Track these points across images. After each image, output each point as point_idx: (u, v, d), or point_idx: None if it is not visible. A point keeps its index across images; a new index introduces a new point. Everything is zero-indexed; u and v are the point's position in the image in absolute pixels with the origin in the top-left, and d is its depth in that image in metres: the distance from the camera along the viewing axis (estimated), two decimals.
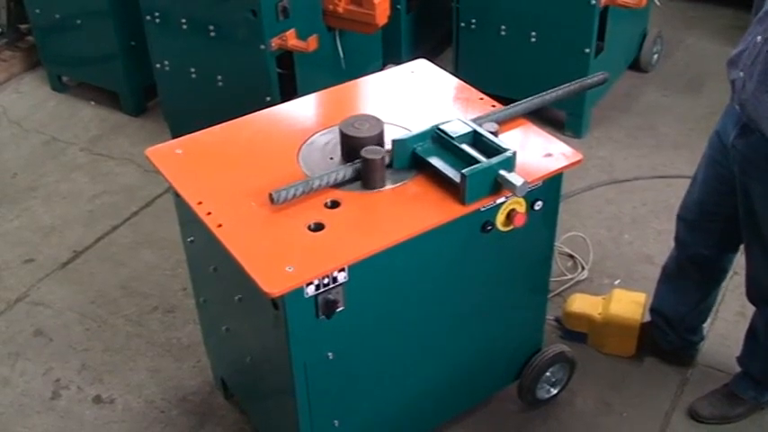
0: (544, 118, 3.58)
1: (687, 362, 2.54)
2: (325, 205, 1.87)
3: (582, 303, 2.65)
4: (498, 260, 2.06)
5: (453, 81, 2.36)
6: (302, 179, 1.90)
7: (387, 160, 1.95)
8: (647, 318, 2.57)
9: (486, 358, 2.23)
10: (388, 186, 1.93)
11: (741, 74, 1.93)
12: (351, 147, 1.96)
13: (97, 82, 3.95)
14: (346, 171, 1.91)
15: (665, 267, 2.48)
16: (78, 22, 3.71)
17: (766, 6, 1.89)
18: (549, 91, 2.17)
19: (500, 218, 1.96)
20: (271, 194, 1.82)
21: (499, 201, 1.92)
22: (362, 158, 1.88)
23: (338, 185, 1.91)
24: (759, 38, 1.88)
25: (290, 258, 1.73)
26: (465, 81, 2.35)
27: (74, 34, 3.77)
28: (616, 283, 2.88)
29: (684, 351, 2.54)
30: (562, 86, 2.18)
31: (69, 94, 4.05)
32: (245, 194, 1.92)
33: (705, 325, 2.55)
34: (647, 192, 3.31)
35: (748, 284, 2.25)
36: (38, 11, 3.85)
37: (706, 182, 2.20)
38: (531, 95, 2.17)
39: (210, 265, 2.09)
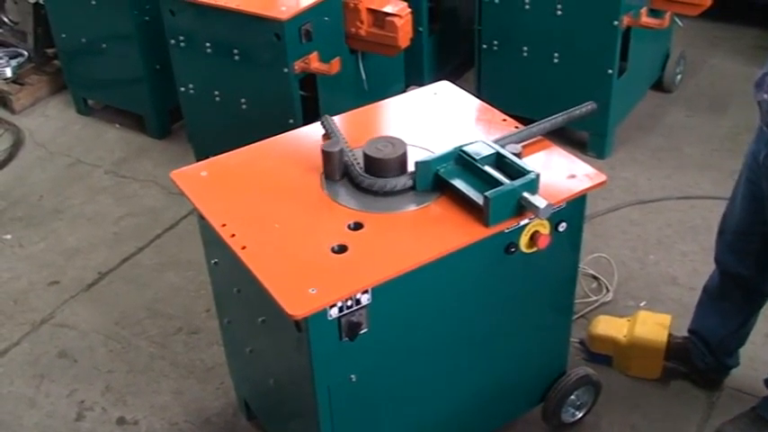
0: (567, 139, 3.57)
1: (716, 385, 2.51)
2: (348, 227, 1.88)
3: (606, 325, 2.63)
4: (522, 282, 2.05)
5: (476, 102, 2.37)
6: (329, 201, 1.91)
7: (410, 183, 1.96)
8: (677, 335, 2.53)
9: (509, 381, 2.21)
10: (411, 208, 1.93)
11: (766, 96, 1.92)
12: (375, 167, 1.98)
13: (122, 105, 4.00)
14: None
15: (705, 287, 2.46)
16: (104, 45, 3.77)
17: None
18: (539, 122, 2.16)
19: (524, 240, 1.96)
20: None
21: (523, 222, 1.92)
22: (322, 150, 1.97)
23: (363, 208, 1.93)
24: None
25: (314, 280, 1.73)
26: (487, 102, 2.36)
27: (99, 58, 3.82)
28: (641, 304, 2.86)
29: (717, 374, 2.51)
30: (549, 118, 2.18)
31: (94, 117, 4.11)
32: (269, 217, 1.93)
33: (741, 349, 2.51)
34: (672, 213, 3.29)
35: None
36: (64, 35, 3.91)
37: (742, 201, 2.20)
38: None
39: (234, 286, 2.10)
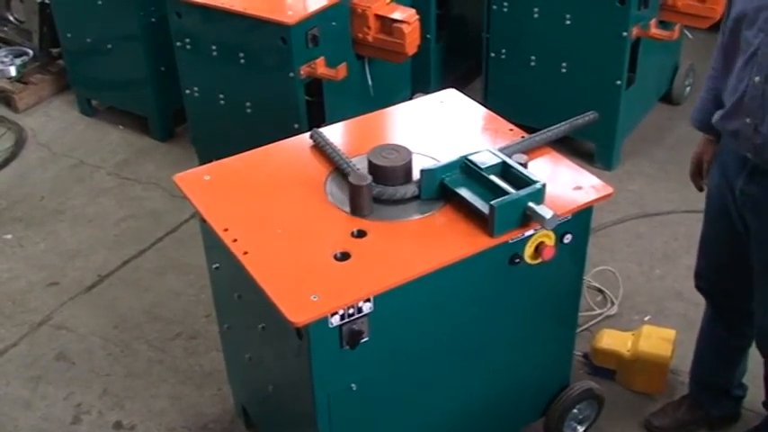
0: (574, 150, 3.57)
1: (735, 419, 2.47)
2: (352, 234, 1.88)
3: (611, 339, 2.62)
4: (526, 293, 2.05)
5: (482, 111, 2.37)
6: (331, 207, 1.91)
7: (415, 191, 1.96)
8: (685, 390, 2.49)
9: (511, 393, 2.21)
10: (416, 216, 1.93)
11: (748, 120, 1.88)
12: (379, 175, 1.98)
13: (126, 106, 4.00)
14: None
15: (701, 334, 2.39)
16: (109, 46, 3.78)
17: (752, 48, 1.83)
18: (542, 131, 2.17)
19: (528, 251, 1.95)
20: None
21: (528, 233, 1.92)
22: (349, 184, 1.91)
23: (364, 215, 1.93)
24: (757, 78, 1.82)
25: (316, 287, 1.73)
26: (494, 111, 2.36)
27: (104, 59, 3.83)
28: (646, 319, 2.85)
29: (733, 410, 2.46)
30: (552, 127, 2.18)
31: (98, 118, 4.11)
32: (272, 222, 1.93)
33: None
34: (679, 226, 3.28)
35: (759, 335, 2.16)
36: (69, 35, 3.92)
37: (717, 240, 2.15)
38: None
39: (235, 292, 2.10)
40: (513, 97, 3.60)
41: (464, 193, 1.93)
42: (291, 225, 1.92)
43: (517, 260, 1.94)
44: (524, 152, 2.08)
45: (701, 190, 2.25)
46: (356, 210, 1.92)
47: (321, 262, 1.81)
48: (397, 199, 1.96)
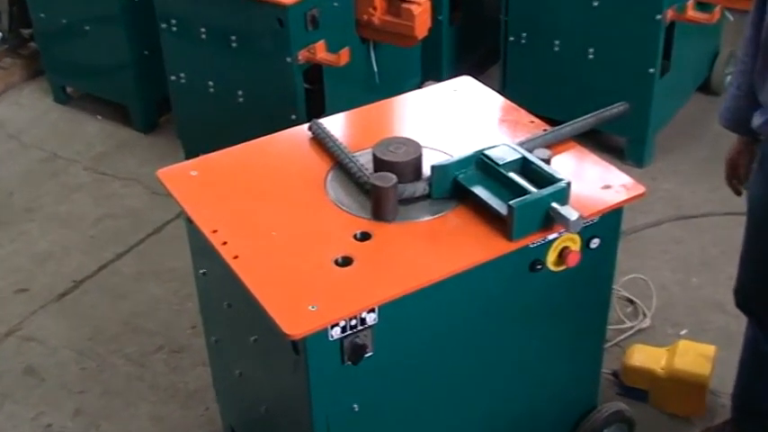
0: (603, 145, 3.57)
1: None
2: (354, 237, 1.88)
3: (643, 356, 2.61)
4: (548, 304, 2.05)
5: (500, 101, 2.37)
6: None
7: (426, 190, 1.95)
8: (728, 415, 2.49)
9: (532, 415, 2.20)
10: (426, 217, 1.93)
11: None
12: (386, 171, 1.96)
13: (105, 94, 4.02)
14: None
15: (744, 351, 2.37)
16: (86, 28, 3.79)
17: None
18: (567, 123, 2.17)
19: (551, 256, 1.95)
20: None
21: (550, 237, 1.92)
22: (372, 185, 1.90)
23: (371, 216, 1.93)
24: None
25: (314, 296, 1.73)
26: (513, 101, 2.36)
27: (81, 41, 3.84)
28: (682, 333, 2.85)
29: None
30: (578, 119, 2.18)
31: (73, 107, 4.13)
32: (266, 223, 1.93)
33: None
34: (719, 230, 3.28)
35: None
36: (42, 15, 3.93)
37: (761, 256, 2.13)
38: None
39: (224, 300, 2.10)
40: (535, 86, 3.60)
41: (480, 191, 1.92)
42: (287, 226, 1.92)
43: (538, 267, 1.94)
44: (547, 147, 2.08)
45: (738, 194, 2.25)
46: (380, 214, 1.91)
47: (320, 268, 1.80)
48: (405, 198, 1.96)
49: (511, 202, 1.83)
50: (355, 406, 1.87)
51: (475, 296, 1.91)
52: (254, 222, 1.94)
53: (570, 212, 1.83)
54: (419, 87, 2.72)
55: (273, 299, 1.73)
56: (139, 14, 3.60)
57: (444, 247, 1.87)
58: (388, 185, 1.90)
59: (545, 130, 2.19)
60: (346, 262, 1.82)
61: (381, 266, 1.82)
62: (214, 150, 2.19)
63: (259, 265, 1.81)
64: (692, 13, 3.34)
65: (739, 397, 2.43)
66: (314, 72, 3.14)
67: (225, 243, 1.87)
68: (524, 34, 3.58)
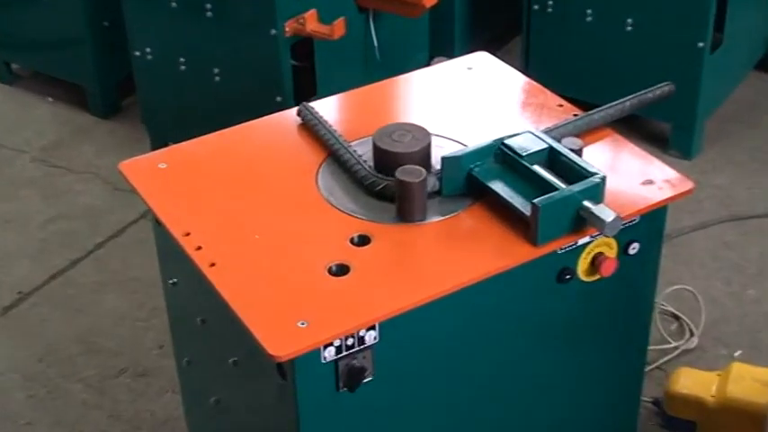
0: (643, 132, 3.58)
1: None
2: (351, 241, 1.88)
3: (690, 381, 2.62)
4: (578, 320, 2.05)
5: (522, 81, 2.37)
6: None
7: (435, 185, 1.96)
8: None
9: None
10: (435, 218, 1.93)
11: None
12: (387, 165, 1.98)
13: (57, 73, 4.02)
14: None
15: None
16: None
17: None
18: (603, 107, 2.17)
19: (582, 264, 1.95)
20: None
21: (582, 242, 1.92)
22: (398, 182, 1.90)
23: (371, 217, 1.94)
24: None
25: (304, 310, 1.73)
26: (538, 81, 2.36)
27: (28, 11, 3.85)
28: (736, 354, 2.85)
29: None
30: (615, 102, 2.19)
31: (20, 87, 4.13)
32: (247, 225, 1.93)
33: None
34: None
35: None
36: None
37: None
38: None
39: (198, 315, 2.10)
40: (563, 63, 3.61)
41: (498, 187, 1.93)
42: (273, 229, 1.93)
43: (568, 276, 1.94)
44: (578, 135, 2.08)
45: None
46: (406, 215, 1.92)
47: (311, 277, 1.81)
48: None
49: (535, 201, 1.83)
50: None
51: (492, 311, 1.91)
52: (233, 224, 1.94)
53: (605, 212, 1.82)
54: (427, 65, 2.73)
55: (256, 313, 1.73)
56: None
57: (457, 254, 1.87)
58: (418, 180, 1.89)
59: (575, 115, 2.19)
60: (342, 270, 1.82)
61: (383, 276, 1.82)
62: (186, 139, 2.19)
63: (239, 275, 1.81)
64: None
65: None
66: (303, 47, 3.14)
67: (199, 248, 1.87)
68: (551, 2, 3.59)
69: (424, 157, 2.00)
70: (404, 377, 1.87)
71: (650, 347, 2.34)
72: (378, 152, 2.01)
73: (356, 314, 1.74)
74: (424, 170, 1.91)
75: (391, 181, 1.96)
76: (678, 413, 2.62)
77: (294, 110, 2.24)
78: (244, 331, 1.71)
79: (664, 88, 2.25)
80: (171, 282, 2.18)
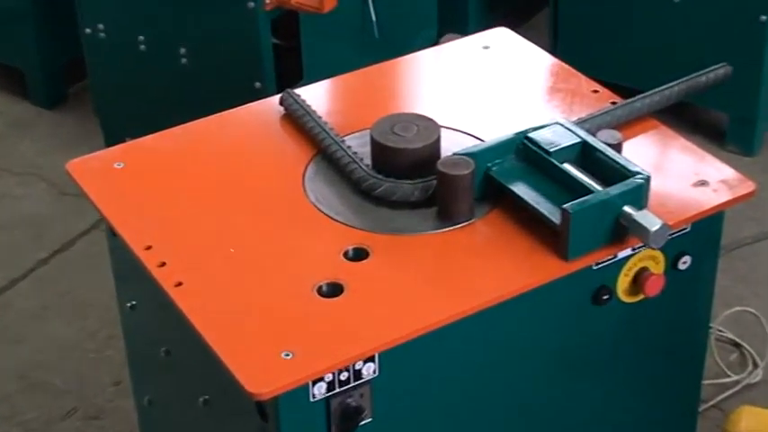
0: (694, 124, 3.58)
1: None
2: (345, 255, 1.89)
3: (753, 422, 2.61)
4: (617, 349, 2.05)
5: (550, 62, 2.38)
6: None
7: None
8: None
9: None
10: (445, 228, 1.94)
11: None
12: (388, 164, 1.99)
13: None
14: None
15: None
16: None
17: None
18: (647, 94, 2.18)
19: (623, 282, 1.96)
20: None
21: (622, 255, 1.92)
22: (440, 173, 1.91)
23: (369, 227, 1.94)
24: None
25: (289, 339, 1.73)
26: (568, 62, 2.37)
27: None
28: None
29: None
30: (662, 87, 2.19)
31: None
32: (220, 237, 1.94)
33: None
34: None
35: None
36: None
37: None
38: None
39: (161, 345, 2.10)
40: (599, 41, 3.62)
41: (521, 190, 1.93)
42: (251, 241, 1.93)
43: (605, 296, 1.94)
44: (616, 127, 2.08)
45: None
46: (449, 215, 1.93)
47: (297, 299, 1.81)
48: (417, 200, 1.97)
49: (566, 206, 1.83)
50: None
51: (515, 338, 1.91)
52: (204, 235, 1.94)
53: (650, 220, 1.82)
54: (435, 44, 2.73)
55: (231, 342, 1.73)
56: None
57: (471, 270, 1.87)
58: (465, 172, 1.90)
59: (614, 103, 2.20)
60: (334, 290, 1.82)
61: (383, 296, 1.82)
62: (147, 133, 2.19)
63: (211, 296, 1.82)
64: None
65: None
66: (287, 22, 3.14)
67: (163, 264, 1.87)
68: None
69: (431, 154, 2.00)
70: (409, 418, 1.87)
71: (705, 382, 2.34)
72: (376, 148, 2.01)
73: (351, 343, 1.74)
74: (471, 161, 1.92)
75: (393, 182, 1.97)
76: None
77: (276, 98, 2.25)
78: (217, 364, 1.71)
79: (719, 71, 2.25)
80: (129, 305, 2.18)
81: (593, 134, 2.00)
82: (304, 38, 3.17)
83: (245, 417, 1.82)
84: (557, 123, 2.01)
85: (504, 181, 1.95)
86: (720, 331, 2.96)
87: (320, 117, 2.14)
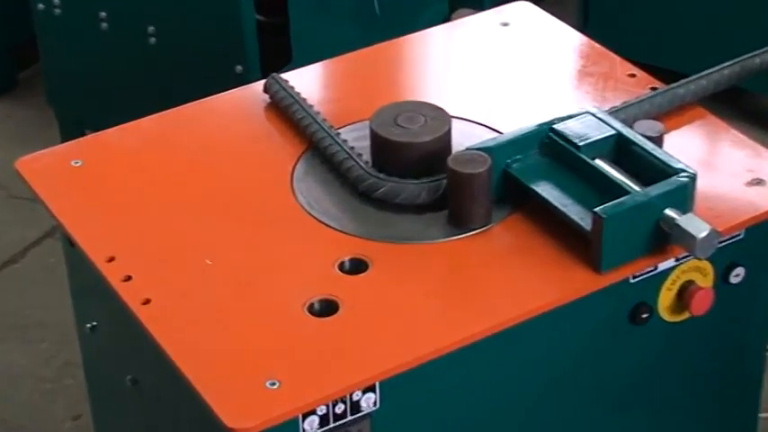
0: (748, 112, 3.57)
1: None
2: (341, 267, 1.89)
3: None
4: (659, 376, 2.05)
5: (579, 41, 2.39)
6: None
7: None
8: None
9: None
10: (457, 235, 1.94)
11: None
12: (391, 161, 1.99)
13: None
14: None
15: None
16: None
17: None
18: (692, 78, 2.18)
19: (665, 298, 1.95)
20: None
21: (664, 266, 1.92)
22: (451, 171, 1.91)
23: (367, 234, 1.94)
24: None
25: (275, 365, 1.72)
26: (601, 42, 2.38)
27: None
28: None
29: None
30: (710, 71, 2.20)
31: None
32: (195, 246, 1.94)
33: None
34: None
35: None
36: None
37: None
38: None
39: (127, 373, 2.09)
40: (635, 17, 3.61)
41: (546, 191, 1.93)
42: (230, 250, 1.93)
43: (645, 315, 1.94)
44: (657, 117, 2.08)
45: None
46: (462, 219, 1.93)
47: (285, 318, 1.81)
48: (424, 203, 1.97)
49: (598, 209, 1.82)
50: None
51: (538, 365, 1.91)
52: (175, 244, 1.95)
53: (697, 225, 1.82)
54: (446, 20, 2.72)
55: (208, 370, 1.72)
56: None
57: (487, 284, 1.87)
58: (481, 170, 1.90)
59: (653, 88, 2.20)
60: (327, 308, 1.81)
61: (384, 316, 1.81)
62: (109, 126, 2.19)
63: (184, 316, 1.81)
64: None
65: None
66: None
67: (128, 279, 1.87)
68: None
69: (441, 149, 2.00)
70: None
71: (761, 415, 2.33)
72: (377, 142, 2.02)
73: (348, 369, 1.73)
74: (487, 156, 1.92)
75: (396, 182, 1.97)
76: None
77: (260, 84, 2.25)
78: (191, 395, 1.71)
79: None
80: (89, 326, 2.17)
81: (630, 125, 2.00)
82: (293, 13, 3.17)
83: None
84: (587, 113, 2.01)
85: (525, 180, 1.95)
86: None
87: (311, 106, 2.14)
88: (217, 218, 2.00)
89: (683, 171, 1.87)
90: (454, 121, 2.05)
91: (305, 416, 1.72)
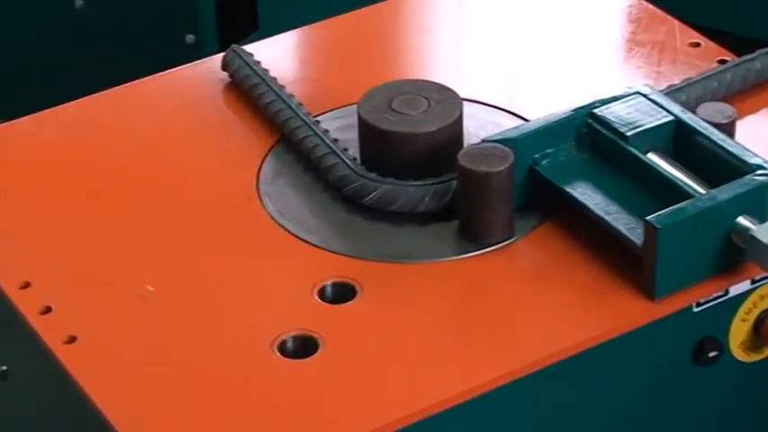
0: None
1: None
2: (321, 295, 1.88)
3: None
4: (731, 428, 2.06)
5: (627, 1, 2.41)
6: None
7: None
8: None
9: None
10: (472, 251, 1.95)
11: None
12: (384, 157, 2.00)
13: None
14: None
15: None
16: None
17: None
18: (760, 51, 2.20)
19: (738, 331, 1.95)
20: None
21: (736, 291, 1.91)
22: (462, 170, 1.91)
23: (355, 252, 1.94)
24: None
25: (236, 422, 1.72)
26: (654, 2, 2.40)
27: None
28: None
29: None
30: None
31: None
32: (133, 268, 1.94)
33: None
34: None
35: None
36: None
37: None
38: None
39: (45, 429, 2.10)
40: None
41: (584, 194, 1.93)
42: (179, 273, 1.93)
43: (713, 353, 1.93)
44: (727, 98, 2.09)
45: None
46: (477, 232, 1.94)
47: (249, 360, 1.80)
48: (428, 211, 1.97)
49: (650, 218, 1.82)
50: None
51: (576, 415, 1.91)
52: (109, 266, 1.95)
53: None
54: None
55: (148, 428, 1.72)
56: None
57: (510, 315, 1.87)
58: (501, 169, 1.90)
59: (722, 61, 2.21)
60: (303, 348, 1.81)
61: (376, 357, 1.81)
62: (31, 112, 2.21)
63: (118, 357, 1.81)
64: None
65: None
66: None
67: (48, 310, 1.87)
68: None
69: (450, 142, 2.01)
70: None
71: None
72: (367, 133, 2.02)
73: (328, 428, 1.73)
74: (509, 151, 1.91)
75: (392, 184, 1.98)
76: None
77: (218, 58, 2.26)
78: None
79: None
80: (0, 370, 2.17)
81: (693, 110, 2.00)
82: None
83: None
84: (637, 93, 2.01)
85: (558, 181, 1.96)
86: None
87: (283, 87, 2.15)
88: (161, 232, 2.00)
89: (761, 168, 1.87)
90: (466, 104, 2.04)
91: None
